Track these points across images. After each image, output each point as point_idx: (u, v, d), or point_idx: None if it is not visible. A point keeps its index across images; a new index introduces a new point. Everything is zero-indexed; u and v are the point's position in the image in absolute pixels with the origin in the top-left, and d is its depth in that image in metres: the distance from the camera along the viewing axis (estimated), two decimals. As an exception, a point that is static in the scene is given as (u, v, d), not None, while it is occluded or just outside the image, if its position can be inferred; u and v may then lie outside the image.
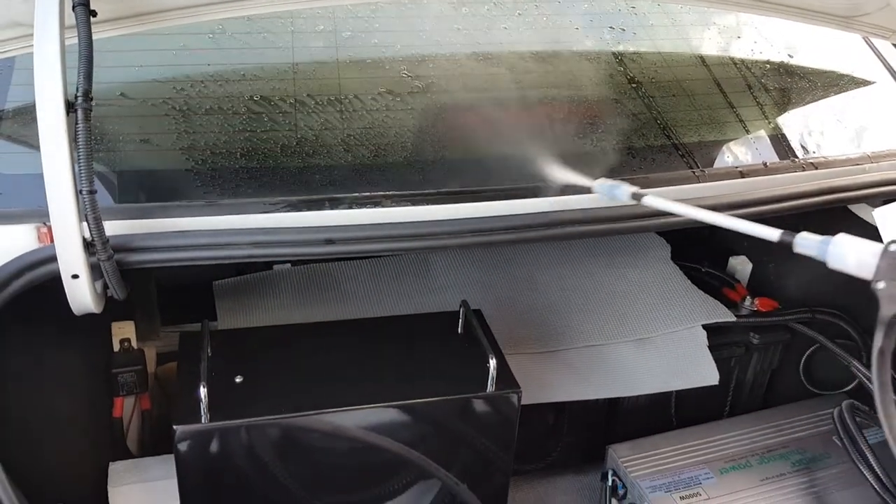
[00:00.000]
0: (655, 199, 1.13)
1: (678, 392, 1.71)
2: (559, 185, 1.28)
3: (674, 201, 1.12)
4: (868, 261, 0.87)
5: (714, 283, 1.85)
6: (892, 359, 0.90)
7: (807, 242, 0.93)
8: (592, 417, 1.74)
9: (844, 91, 1.79)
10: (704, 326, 1.68)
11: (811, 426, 1.70)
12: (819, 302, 1.77)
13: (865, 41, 1.82)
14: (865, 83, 1.81)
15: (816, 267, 1.75)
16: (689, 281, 1.80)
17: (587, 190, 1.26)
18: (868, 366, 1.69)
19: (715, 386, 1.65)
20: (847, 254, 0.89)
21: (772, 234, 0.97)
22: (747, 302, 1.76)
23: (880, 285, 0.86)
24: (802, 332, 1.76)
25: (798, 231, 0.93)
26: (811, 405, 1.75)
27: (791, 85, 1.76)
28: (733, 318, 1.71)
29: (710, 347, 1.66)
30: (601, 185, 1.22)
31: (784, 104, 1.73)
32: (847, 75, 1.82)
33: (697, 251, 1.90)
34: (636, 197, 1.15)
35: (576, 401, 1.61)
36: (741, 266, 1.89)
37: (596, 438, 1.71)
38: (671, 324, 1.68)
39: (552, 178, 1.28)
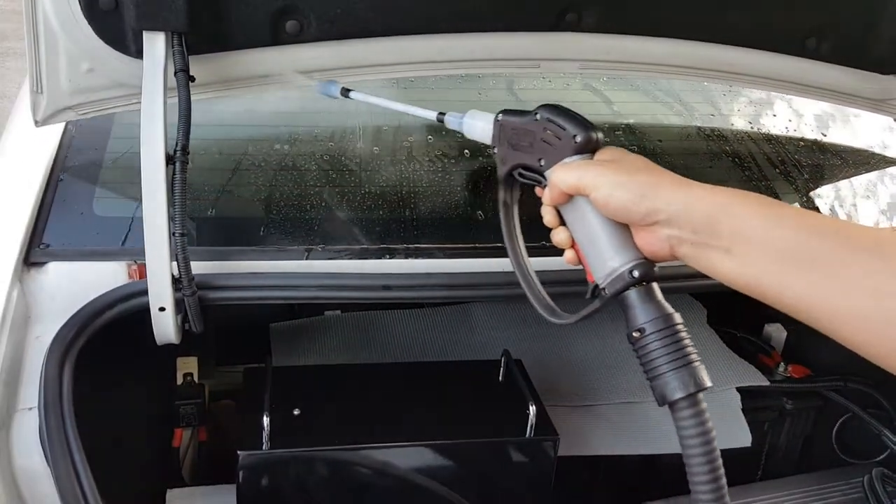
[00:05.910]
0: (360, 95, 1.18)
1: (713, 454, 1.74)
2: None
3: (375, 97, 1.17)
4: (488, 129, 0.97)
5: (749, 348, 1.89)
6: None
7: (451, 119, 1.03)
8: (627, 475, 1.77)
9: (873, 170, 1.86)
10: (738, 389, 1.71)
11: (842, 493, 1.70)
12: (852, 371, 1.80)
13: (897, 122, 1.90)
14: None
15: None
16: (724, 345, 1.84)
17: None
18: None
19: (748, 449, 1.67)
20: (475, 125, 0.98)
21: (430, 114, 1.06)
22: (781, 368, 1.81)
23: (496, 150, 0.96)
24: (835, 400, 1.79)
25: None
26: (843, 473, 1.76)
27: (823, 162, 1.84)
28: (767, 383, 1.75)
29: (744, 410, 1.69)
30: (318, 82, 1.22)
31: (817, 181, 1.80)
32: (877, 155, 1.90)
33: (733, 317, 1.94)
34: (344, 92, 1.19)
35: (611, 457, 1.65)
36: (776, 333, 1.93)
37: (630, 496, 1.74)
38: (705, 385, 1.72)
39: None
